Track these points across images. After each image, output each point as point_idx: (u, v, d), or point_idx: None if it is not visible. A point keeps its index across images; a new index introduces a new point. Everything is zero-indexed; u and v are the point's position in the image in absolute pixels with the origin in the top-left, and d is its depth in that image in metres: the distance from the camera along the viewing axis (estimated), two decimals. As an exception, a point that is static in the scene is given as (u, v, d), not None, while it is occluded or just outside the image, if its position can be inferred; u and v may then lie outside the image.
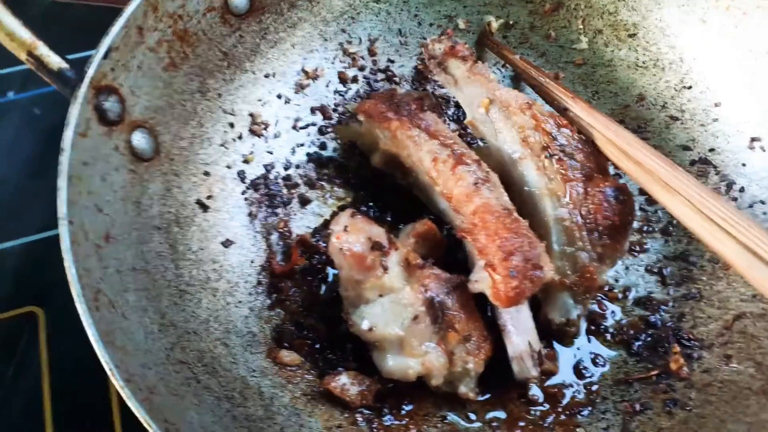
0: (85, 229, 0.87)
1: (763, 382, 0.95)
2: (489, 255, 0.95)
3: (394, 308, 0.97)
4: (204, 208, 1.10)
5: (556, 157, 1.06)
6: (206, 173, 1.13)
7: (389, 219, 1.20)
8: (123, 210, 0.97)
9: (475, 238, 0.98)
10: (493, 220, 0.98)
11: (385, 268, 0.97)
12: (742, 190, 1.14)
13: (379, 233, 0.99)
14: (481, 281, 0.96)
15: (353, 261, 0.95)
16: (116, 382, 0.76)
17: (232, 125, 1.18)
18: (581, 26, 1.30)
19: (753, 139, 1.14)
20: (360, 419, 0.99)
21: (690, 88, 1.22)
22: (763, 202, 1.11)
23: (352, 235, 0.95)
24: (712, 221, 0.90)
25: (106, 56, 0.95)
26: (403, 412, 1.01)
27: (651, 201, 1.21)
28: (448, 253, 1.10)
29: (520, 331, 0.98)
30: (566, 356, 1.07)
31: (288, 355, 1.03)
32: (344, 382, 0.98)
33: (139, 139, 1.03)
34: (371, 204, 1.21)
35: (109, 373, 0.77)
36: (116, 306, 0.87)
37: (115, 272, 0.90)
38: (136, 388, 0.78)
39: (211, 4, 1.12)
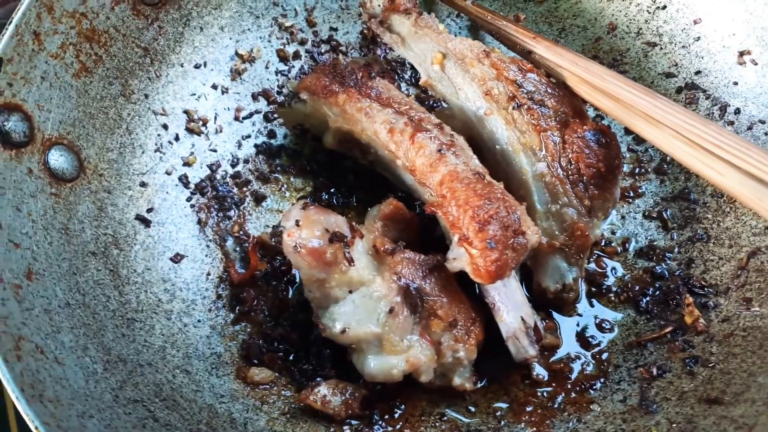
0: (-4, 271, 0.77)
1: (791, 324, 0.84)
2: (462, 228, 0.84)
3: (366, 303, 0.86)
4: (146, 223, 0.99)
5: (525, 106, 0.94)
6: (143, 184, 1.01)
7: (356, 204, 1.09)
8: (47, 240, 0.86)
9: (446, 212, 0.87)
10: (463, 188, 0.86)
11: (350, 261, 0.86)
12: (737, 111, 1.02)
13: (337, 222, 0.88)
14: (458, 258, 0.85)
15: (311, 258, 0.84)
16: (46, 443, 0.66)
17: (165, 127, 1.06)
18: (536, -42, 1.17)
19: (741, 53, 1.02)
20: (348, 432, 0.88)
21: (664, 8, 1.10)
22: (762, 122, 0.99)
23: (306, 230, 0.84)
24: (707, 151, 0.78)
25: (-2, 70, 0.84)
26: (396, 415, 0.90)
27: (639, 140, 1.09)
28: (426, 231, 0.98)
29: (510, 308, 0.87)
30: (569, 326, 0.96)
31: (259, 373, 0.92)
32: (324, 394, 0.88)
33: (58, 158, 0.92)
34: (333, 190, 1.09)
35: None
36: (46, 351, 0.76)
37: (43, 312, 0.80)
38: (71, 445, 0.68)
39: (117, -5, 1.00)
